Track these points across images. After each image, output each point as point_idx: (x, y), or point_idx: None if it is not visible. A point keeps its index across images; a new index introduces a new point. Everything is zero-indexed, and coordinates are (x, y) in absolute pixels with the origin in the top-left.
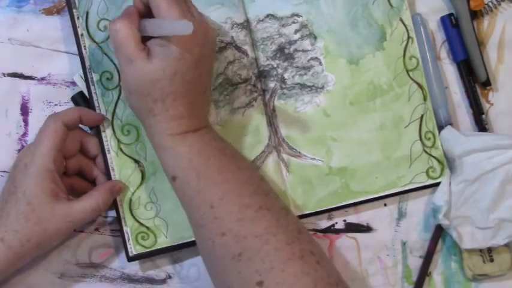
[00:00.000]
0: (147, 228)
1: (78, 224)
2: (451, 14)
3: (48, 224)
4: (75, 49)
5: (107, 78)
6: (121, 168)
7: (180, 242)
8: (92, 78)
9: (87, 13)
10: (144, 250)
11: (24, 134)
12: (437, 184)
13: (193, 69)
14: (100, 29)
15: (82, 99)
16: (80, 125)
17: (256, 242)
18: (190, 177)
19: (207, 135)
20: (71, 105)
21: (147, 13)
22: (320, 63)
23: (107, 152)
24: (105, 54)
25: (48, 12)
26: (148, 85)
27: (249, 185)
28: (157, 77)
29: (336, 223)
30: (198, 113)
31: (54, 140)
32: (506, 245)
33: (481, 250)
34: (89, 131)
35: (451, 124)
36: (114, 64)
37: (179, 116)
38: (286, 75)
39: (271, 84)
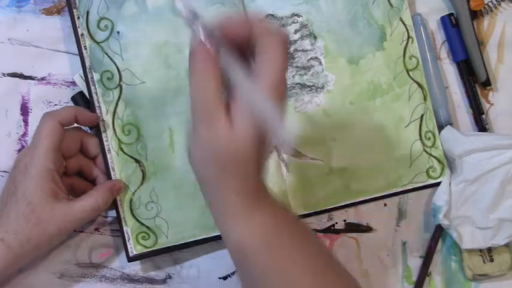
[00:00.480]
0: (148, 228)
1: (78, 224)
2: (451, 14)
3: (48, 224)
4: (75, 49)
5: (108, 78)
6: (122, 168)
7: (181, 242)
8: (92, 78)
9: (88, 12)
10: (144, 250)
11: (24, 134)
12: (438, 184)
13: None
14: (100, 28)
15: (82, 99)
16: (81, 126)
17: None
18: (260, 256)
19: (276, 204)
20: (71, 105)
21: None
22: (320, 63)
23: (107, 151)
24: (106, 53)
25: (48, 12)
26: (230, 155)
27: (321, 270)
28: (242, 148)
29: (336, 223)
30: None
31: (52, 139)
32: (506, 245)
33: (481, 250)
34: (89, 131)
35: (451, 124)
36: (115, 63)
37: (258, 186)
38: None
39: None
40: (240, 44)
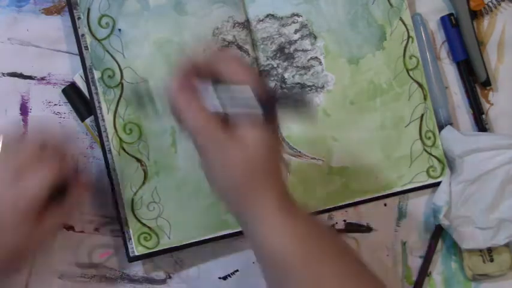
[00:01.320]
0: (150, 228)
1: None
2: (451, 14)
3: (24, 250)
4: (75, 49)
5: (109, 76)
6: (123, 168)
7: (183, 243)
8: (92, 78)
9: (89, 10)
10: (146, 251)
11: (24, 134)
12: (438, 183)
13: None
14: (102, 26)
15: (73, 92)
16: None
17: None
18: (298, 260)
19: (305, 211)
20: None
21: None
22: (320, 63)
23: (108, 151)
24: (107, 51)
25: (48, 12)
26: (247, 168)
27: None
28: (260, 161)
29: (336, 223)
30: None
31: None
32: (506, 245)
33: (481, 250)
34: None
35: (451, 124)
36: (116, 61)
37: (286, 193)
38: (286, 75)
39: (271, 84)
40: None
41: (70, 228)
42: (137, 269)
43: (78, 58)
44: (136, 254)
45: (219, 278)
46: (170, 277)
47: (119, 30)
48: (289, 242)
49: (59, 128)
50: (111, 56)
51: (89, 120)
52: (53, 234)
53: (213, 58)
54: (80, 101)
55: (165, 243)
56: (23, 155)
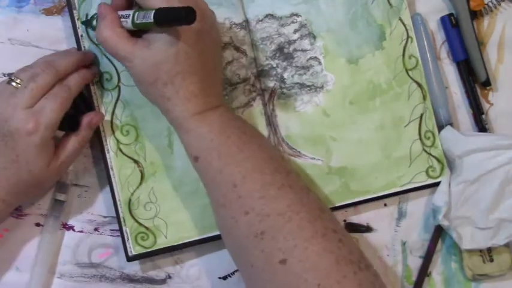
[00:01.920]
0: (147, 228)
1: (67, 168)
2: (451, 14)
3: (45, 183)
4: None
5: (106, 79)
6: (120, 168)
7: (180, 243)
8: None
9: (87, 15)
10: (143, 250)
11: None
12: (437, 184)
13: (194, 45)
14: None
15: (78, 96)
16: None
17: (279, 220)
18: (212, 156)
19: (225, 113)
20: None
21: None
22: (319, 63)
23: (106, 152)
24: (104, 55)
25: (48, 12)
26: (154, 70)
27: (270, 163)
28: (161, 60)
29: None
30: (211, 91)
31: (61, 113)
32: (506, 245)
33: (480, 250)
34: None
35: (451, 124)
36: (113, 65)
37: (192, 95)
38: (285, 75)
39: (271, 84)
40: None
41: (70, 228)
42: (137, 269)
43: None
44: (134, 253)
45: (219, 278)
46: (170, 277)
47: None
48: (206, 146)
49: (74, 56)
50: (108, 59)
51: None
52: (69, 163)
53: None
54: (80, 101)
55: (162, 243)
56: (38, 80)
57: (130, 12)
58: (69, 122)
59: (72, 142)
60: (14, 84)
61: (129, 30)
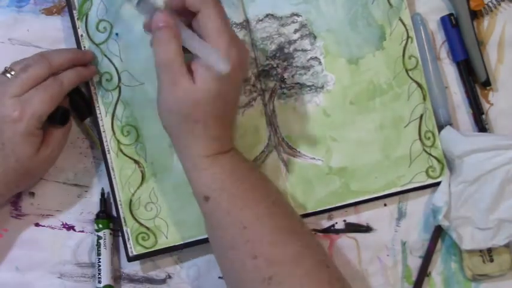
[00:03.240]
0: (148, 228)
1: (60, 152)
2: (451, 14)
3: (35, 171)
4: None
5: (107, 80)
6: (121, 169)
7: (181, 243)
8: (91, 78)
9: (87, 15)
10: (144, 251)
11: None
12: (437, 184)
13: (232, 93)
14: (99, 31)
15: (73, 91)
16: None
17: (287, 266)
18: (222, 197)
19: (236, 156)
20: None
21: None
22: (320, 63)
23: (106, 152)
24: (105, 55)
25: (48, 12)
26: (191, 106)
27: (279, 208)
28: (202, 99)
29: (336, 223)
30: (229, 134)
31: (50, 105)
32: (506, 245)
33: (480, 250)
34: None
35: (450, 124)
36: (114, 65)
37: (218, 137)
38: (285, 75)
39: (271, 84)
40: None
41: (70, 228)
42: (137, 269)
43: None
44: (135, 253)
45: (219, 277)
46: (170, 277)
47: (116, 34)
48: (217, 187)
49: (71, 53)
50: (109, 59)
51: (88, 121)
52: (58, 152)
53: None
54: (80, 101)
55: (162, 243)
56: (29, 70)
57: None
58: (61, 117)
59: (60, 131)
60: (8, 75)
61: None
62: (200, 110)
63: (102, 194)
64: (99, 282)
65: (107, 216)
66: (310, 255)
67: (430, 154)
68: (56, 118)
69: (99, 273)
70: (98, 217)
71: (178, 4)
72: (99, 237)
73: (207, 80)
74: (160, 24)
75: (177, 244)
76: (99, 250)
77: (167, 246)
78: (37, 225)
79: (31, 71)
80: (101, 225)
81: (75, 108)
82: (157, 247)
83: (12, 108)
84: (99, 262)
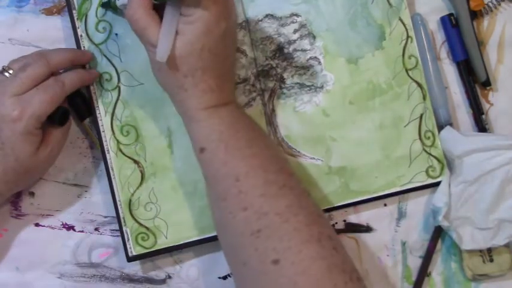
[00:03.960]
0: (147, 228)
1: (60, 150)
2: (451, 14)
3: (35, 170)
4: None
5: (106, 80)
6: (120, 169)
7: (180, 243)
8: (93, 82)
9: (86, 15)
10: (144, 251)
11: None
12: (437, 184)
13: (220, 42)
14: (99, 31)
15: (77, 95)
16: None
17: (277, 220)
18: (219, 149)
19: (236, 109)
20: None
21: None
22: (319, 63)
23: (106, 152)
24: (104, 55)
25: (48, 12)
26: (177, 61)
27: (275, 163)
28: (186, 53)
29: (336, 223)
30: (226, 87)
31: (50, 106)
32: (506, 245)
33: (481, 250)
34: (87, 123)
35: (450, 124)
36: (113, 65)
37: (209, 89)
38: (285, 75)
39: (271, 84)
40: None
41: (70, 228)
42: (137, 269)
43: None
44: (134, 253)
45: (219, 278)
46: (170, 277)
47: (116, 34)
48: (213, 138)
49: (70, 52)
50: (108, 60)
51: (88, 121)
52: (58, 151)
53: None
54: (80, 101)
55: (162, 243)
56: (28, 69)
57: None
58: (60, 117)
59: (60, 131)
60: (6, 74)
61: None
62: (185, 63)
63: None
64: None
65: None
66: (301, 211)
67: (430, 154)
68: (55, 118)
69: None
70: None
71: None
72: None
73: (188, 33)
74: None
75: (176, 244)
76: None
77: (167, 246)
78: (37, 225)
79: (30, 70)
80: None
81: (75, 108)
82: (156, 247)
83: (11, 108)
84: None
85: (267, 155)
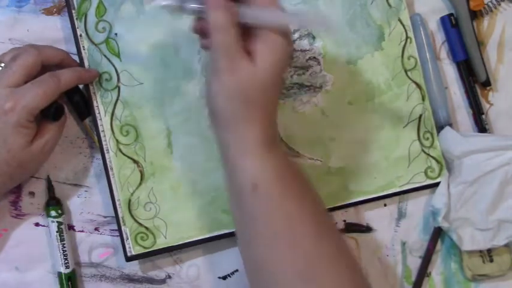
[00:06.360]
0: (146, 228)
1: (55, 145)
2: (451, 14)
3: (29, 164)
4: (75, 49)
5: (106, 79)
6: (120, 169)
7: (180, 243)
8: (92, 81)
9: (86, 15)
10: (143, 251)
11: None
12: (436, 184)
13: (282, 81)
14: (98, 30)
15: (73, 91)
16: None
17: (324, 262)
18: (275, 186)
19: (285, 154)
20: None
21: None
22: (318, 63)
23: (105, 152)
24: (104, 55)
25: (48, 12)
26: (252, 88)
27: (320, 206)
28: (264, 80)
29: (336, 223)
30: (276, 127)
31: (44, 100)
32: (506, 246)
33: (480, 251)
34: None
35: (450, 124)
36: (113, 65)
37: (274, 124)
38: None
39: None
40: None
41: (70, 228)
42: (137, 269)
43: (77, 58)
44: (133, 253)
45: (219, 278)
46: (170, 277)
47: (116, 34)
48: (269, 176)
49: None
50: (108, 59)
51: (88, 120)
52: (52, 145)
53: None
54: (80, 101)
55: (161, 243)
56: (19, 59)
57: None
58: (54, 113)
59: (55, 125)
60: None
61: None
62: (261, 92)
63: (49, 181)
64: (67, 267)
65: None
66: (345, 256)
67: (428, 155)
68: (49, 113)
69: (66, 258)
70: (50, 204)
71: None
72: (59, 223)
73: (269, 61)
74: (216, 6)
75: (175, 244)
76: (62, 235)
77: (166, 246)
78: (37, 225)
79: (20, 60)
80: (60, 211)
81: (75, 108)
82: (156, 247)
83: (4, 100)
84: (64, 247)
85: (313, 198)
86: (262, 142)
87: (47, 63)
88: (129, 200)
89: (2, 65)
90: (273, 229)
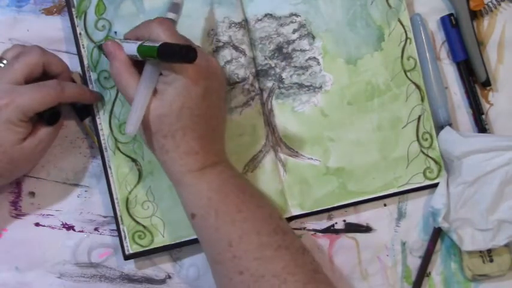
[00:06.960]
0: (144, 227)
1: (49, 146)
2: (451, 14)
3: (19, 161)
4: (75, 49)
5: (105, 78)
6: (118, 167)
7: (177, 241)
8: (89, 76)
9: (85, 13)
10: (140, 249)
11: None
12: (435, 185)
13: (201, 103)
14: (98, 29)
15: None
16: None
17: (274, 282)
18: (209, 214)
19: (225, 171)
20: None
21: None
22: (318, 63)
23: (104, 150)
24: (103, 54)
25: (48, 12)
26: (156, 121)
27: (268, 224)
28: (164, 113)
29: (336, 223)
30: (212, 148)
31: (41, 105)
32: (506, 246)
33: (480, 251)
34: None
35: (450, 124)
36: None
37: (192, 151)
38: (284, 75)
39: (269, 84)
40: None
41: (70, 228)
42: (137, 269)
43: (77, 58)
44: (131, 251)
45: None
46: (170, 277)
47: (115, 32)
48: (203, 204)
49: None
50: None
51: (87, 121)
52: (46, 145)
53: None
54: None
55: (159, 242)
56: (20, 58)
57: (136, 43)
58: (49, 117)
59: (49, 128)
60: (1, 65)
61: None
62: (165, 124)
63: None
64: None
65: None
66: (298, 270)
67: (427, 155)
68: (44, 117)
69: None
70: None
71: (131, 37)
72: None
73: (166, 93)
74: (110, 55)
75: (173, 243)
76: None
77: (163, 244)
78: (37, 225)
79: (22, 58)
80: None
81: (74, 108)
82: (153, 246)
83: (0, 96)
84: None
85: (259, 217)
86: (185, 170)
87: (48, 68)
88: (127, 198)
89: (5, 62)
90: (217, 255)
